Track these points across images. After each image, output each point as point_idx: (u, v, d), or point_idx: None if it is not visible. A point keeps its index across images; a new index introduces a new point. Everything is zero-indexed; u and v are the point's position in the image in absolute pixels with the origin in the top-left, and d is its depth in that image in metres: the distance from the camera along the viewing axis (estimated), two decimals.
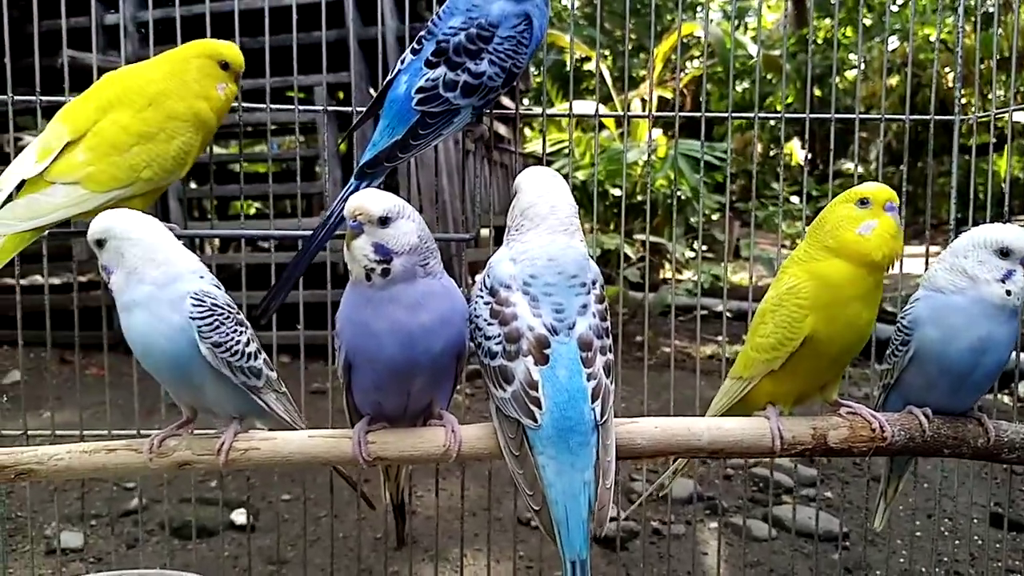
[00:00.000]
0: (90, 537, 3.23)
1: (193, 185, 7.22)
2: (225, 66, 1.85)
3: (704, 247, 7.98)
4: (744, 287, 7.18)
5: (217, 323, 1.40)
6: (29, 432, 1.96)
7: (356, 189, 1.84)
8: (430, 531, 3.21)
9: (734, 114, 2.24)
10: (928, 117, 2.15)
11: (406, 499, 1.83)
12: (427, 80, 1.80)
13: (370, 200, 1.32)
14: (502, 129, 7.75)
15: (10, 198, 1.74)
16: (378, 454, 1.44)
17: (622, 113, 2.41)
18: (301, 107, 2.26)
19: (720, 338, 6.35)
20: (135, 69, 1.86)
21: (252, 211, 9.97)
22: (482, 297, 1.40)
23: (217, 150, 2.01)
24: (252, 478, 2.65)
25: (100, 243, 1.43)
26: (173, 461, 1.45)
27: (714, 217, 8.41)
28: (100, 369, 5.38)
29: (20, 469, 1.44)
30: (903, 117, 2.15)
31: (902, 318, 1.53)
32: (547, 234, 1.40)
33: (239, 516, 3.37)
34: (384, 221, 1.32)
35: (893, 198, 1.45)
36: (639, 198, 7.36)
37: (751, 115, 2.23)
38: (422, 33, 1.86)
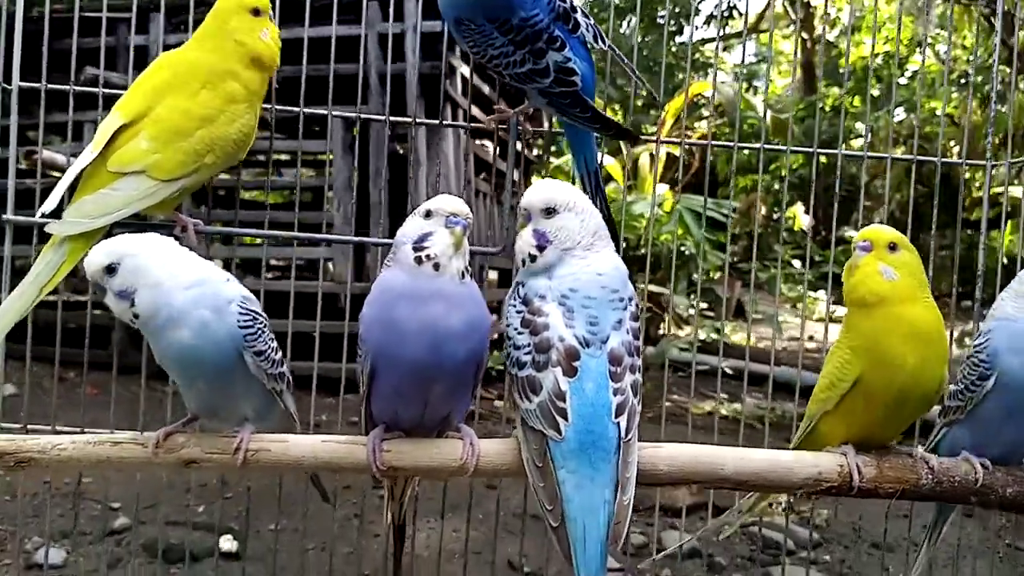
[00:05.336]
0: (72, 555, 3.13)
1: (203, 209, 7.22)
2: (257, 12, 1.75)
3: (705, 304, 7.97)
4: (743, 346, 7.11)
5: (260, 332, 1.38)
6: (29, 427, 1.89)
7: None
8: (430, 571, 3.11)
9: (758, 145, 2.19)
10: (936, 159, 2.09)
11: (408, 521, 1.76)
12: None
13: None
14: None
15: (71, 197, 1.64)
16: (393, 463, 1.39)
17: (654, 138, 2.48)
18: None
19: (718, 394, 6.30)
20: (181, 53, 1.77)
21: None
22: (514, 306, 1.38)
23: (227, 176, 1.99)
24: (244, 504, 2.57)
25: (111, 269, 1.31)
26: (179, 457, 1.39)
27: (715, 275, 8.38)
28: (94, 388, 5.29)
29: (21, 457, 1.38)
30: (910, 157, 2.12)
31: (977, 353, 1.49)
32: (610, 249, 1.43)
33: (226, 543, 3.27)
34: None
35: (866, 236, 1.47)
36: (643, 251, 7.38)
37: (782, 147, 2.23)
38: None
